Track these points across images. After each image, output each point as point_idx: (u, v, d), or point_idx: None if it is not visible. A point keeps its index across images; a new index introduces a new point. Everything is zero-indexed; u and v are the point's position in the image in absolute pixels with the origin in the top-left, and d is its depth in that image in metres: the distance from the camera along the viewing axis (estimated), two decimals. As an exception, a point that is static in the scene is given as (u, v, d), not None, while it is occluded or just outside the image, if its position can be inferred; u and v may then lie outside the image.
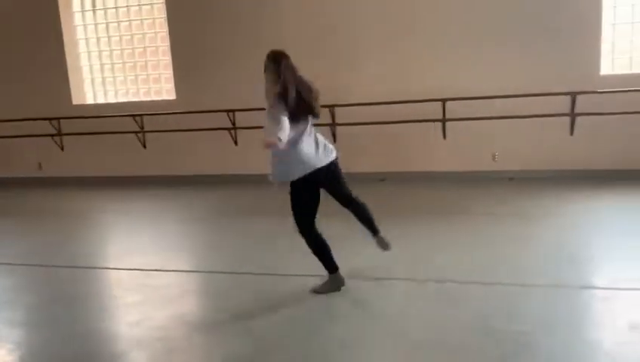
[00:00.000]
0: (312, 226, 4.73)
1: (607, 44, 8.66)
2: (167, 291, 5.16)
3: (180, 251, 6.60)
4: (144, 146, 10.88)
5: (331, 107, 9.32)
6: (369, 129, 9.39)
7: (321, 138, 4.76)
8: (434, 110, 9.02)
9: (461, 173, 9.27)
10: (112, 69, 11.23)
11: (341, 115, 9.46)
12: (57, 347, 4.17)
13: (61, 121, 11.01)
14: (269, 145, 4.32)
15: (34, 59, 11.15)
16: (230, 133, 10.22)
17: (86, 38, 11.24)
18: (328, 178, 4.74)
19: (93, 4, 11.05)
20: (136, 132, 10.70)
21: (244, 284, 5.23)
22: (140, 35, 10.92)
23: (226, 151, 10.38)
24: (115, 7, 10.92)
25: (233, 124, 10.13)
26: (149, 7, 10.75)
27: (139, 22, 10.88)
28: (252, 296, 4.92)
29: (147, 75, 11.04)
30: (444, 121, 9.06)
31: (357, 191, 5.13)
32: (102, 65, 11.28)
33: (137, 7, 10.81)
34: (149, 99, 11.01)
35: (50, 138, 11.17)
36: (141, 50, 10.97)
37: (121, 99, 11.24)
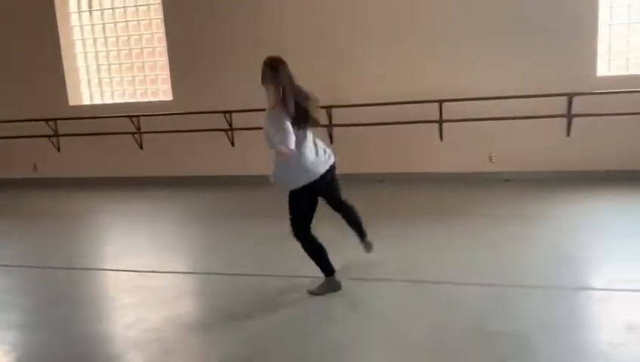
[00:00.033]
0: (308, 230, 4.74)
1: (604, 45, 8.67)
2: (163, 292, 5.15)
3: (177, 252, 6.59)
4: (141, 147, 10.86)
5: (328, 108, 9.31)
6: (366, 130, 9.39)
7: (319, 143, 4.80)
8: (431, 111, 9.02)
9: (458, 174, 9.27)
10: (109, 70, 11.22)
11: (338, 115, 9.46)
12: (54, 348, 4.17)
13: (58, 121, 10.98)
14: (285, 156, 4.37)
15: (30, 60, 11.13)
16: (227, 134, 10.21)
17: (83, 39, 11.22)
18: (327, 183, 4.80)
19: (90, 5, 11.03)
20: (133, 133, 10.68)
21: (240, 286, 5.23)
22: (137, 36, 10.91)
23: (222, 152, 10.37)
24: (112, 8, 10.91)
25: (230, 125, 10.12)
26: (145, 7, 10.73)
27: (136, 23, 10.86)
28: (249, 297, 4.91)
29: (144, 75, 11.03)
30: (440, 122, 9.06)
31: (355, 193, 5.15)
32: (98, 66, 11.26)
33: (134, 8, 10.80)
34: (145, 100, 10.99)
35: (46, 139, 11.14)
36: (138, 51, 10.95)
37: (118, 100, 11.22)
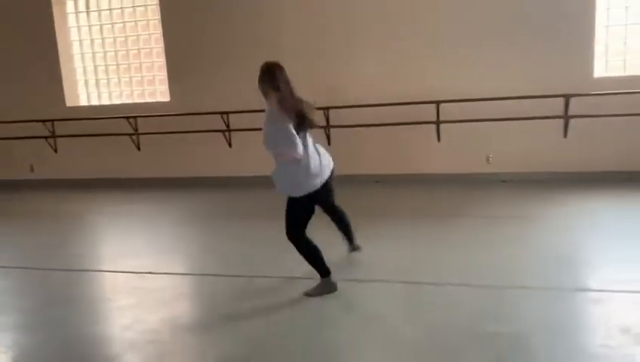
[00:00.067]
0: (303, 233, 4.77)
1: (601, 46, 8.68)
2: (160, 294, 5.15)
3: (174, 254, 6.58)
4: (138, 148, 10.85)
5: (326, 109, 9.32)
6: (364, 130, 9.40)
7: (320, 148, 4.85)
8: (428, 112, 9.03)
9: (455, 175, 9.28)
10: (106, 71, 11.21)
11: (336, 116, 9.46)
12: (51, 350, 4.17)
13: (55, 122, 10.97)
14: (295, 160, 4.46)
15: (28, 61, 11.12)
16: (224, 136, 10.21)
17: (80, 40, 11.21)
18: (326, 189, 4.86)
19: (87, 6, 11.03)
20: (130, 134, 10.67)
21: (237, 287, 5.22)
22: (134, 37, 10.90)
23: (220, 153, 10.37)
24: (109, 9, 10.90)
25: (227, 126, 10.11)
26: (142, 8, 10.73)
27: (133, 23, 10.86)
28: (245, 298, 4.91)
29: (141, 76, 11.02)
30: (438, 123, 9.07)
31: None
32: (96, 66, 11.25)
33: (131, 9, 10.79)
34: (143, 101, 10.98)
35: (43, 140, 11.14)
36: (135, 51, 10.95)
37: (115, 101, 11.21)
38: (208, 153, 10.49)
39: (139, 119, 10.61)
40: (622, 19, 8.61)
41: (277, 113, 4.48)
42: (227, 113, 9.98)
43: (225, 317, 4.56)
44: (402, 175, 9.47)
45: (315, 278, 4.83)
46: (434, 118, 9.05)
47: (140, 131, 10.68)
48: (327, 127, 9.46)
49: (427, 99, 8.91)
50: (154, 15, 10.63)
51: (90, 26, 11.12)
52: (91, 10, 11.03)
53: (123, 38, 10.96)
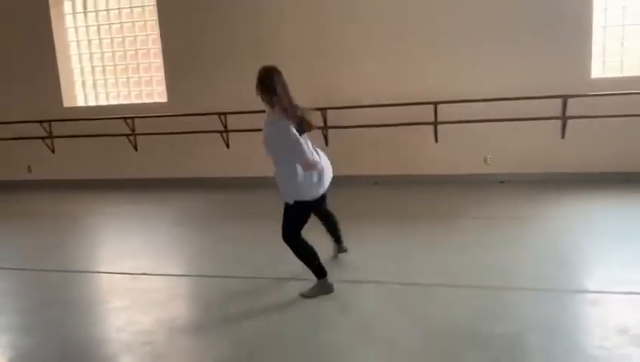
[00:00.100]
0: (299, 235, 4.78)
1: (598, 47, 8.68)
2: (157, 295, 5.14)
3: (171, 255, 6.57)
4: (135, 149, 10.84)
5: (324, 110, 9.32)
6: (361, 131, 9.40)
7: (320, 151, 4.87)
8: (426, 113, 9.03)
9: (453, 176, 9.28)
10: (104, 72, 11.19)
11: (333, 117, 9.46)
12: (47, 351, 4.16)
13: (52, 123, 10.96)
14: (308, 164, 4.55)
15: (25, 62, 11.10)
16: (222, 136, 10.20)
17: (77, 41, 11.20)
18: (324, 195, 4.92)
19: (85, 7, 11.01)
20: (127, 135, 10.66)
21: (233, 288, 5.21)
22: (132, 38, 10.89)
23: (217, 154, 10.35)
24: (107, 10, 10.89)
25: (225, 126, 10.11)
26: (140, 9, 10.72)
27: (130, 24, 10.84)
28: (241, 300, 4.90)
29: (139, 77, 11.01)
30: (435, 124, 9.06)
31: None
32: (93, 67, 11.24)
33: (129, 10, 10.78)
34: (140, 101, 10.96)
35: (40, 140, 11.12)
36: (132, 52, 10.94)
37: (113, 101, 11.19)
38: (206, 154, 10.47)
39: (136, 120, 10.60)
40: (619, 20, 8.61)
41: (278, 118, 4.54)
42: (225, 114, 9.97)
43: (221, 318, 4.55)
44: (400, 176, 9.46)
45: (311, 279, 4.82)
46: (432, 119, 9.04)
47: (137, 132, 10.66)
48: (325, 127, 9.46)
49: (426, 100, 8.90)
50: (151, 16, 10.62)
51: (87, 27, 11.10)
52: (89, 10, 11.01)
53: (120, 39, 10.95)
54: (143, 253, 6.54)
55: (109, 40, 11.01)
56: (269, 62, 4.76)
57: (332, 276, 4.87)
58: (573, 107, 8.47)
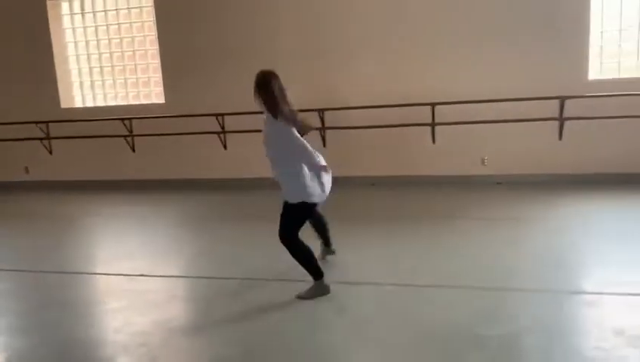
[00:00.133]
0: (297, 236, 4.79)
1: (596, 49, 8.69)
2: (154, 296, 5.14)
3: (168, 256, 6.56)
4: (133, 150, 10.83)
5: (321, 111, 9.33)
6: (359, 132, 9.40)
7: (318, 154, 4.88)
8: (424, 114, 9.03)
9: (450, 177, 9.28)
10: (101, 73, 11.19)
11: (331, 118, 9.46)
12: (45, 352, 4.15)
13: (49, 124, 10.94)
14: (313, 165, 4.64)
15: (22, 63, 11.09)
16: (219, 137, 10.19)
17: (75, 42, 11.19)
18: None
19: (82, 8, 11.00)
20: (125, 136, 10.65)
21: (230, 289, 5.21)
22: (129, 39, 10.88)
23: (215, 155, 10.35)
24: (104, 11, 10.88)
25: (222, 127, 10.10)
26: (137, 10, 10.71)
27: (128, 25, 10.84)
28: (238, 301, 4.90)
29: (136, 78, 11.00)
30: (433, 125, 9.07)
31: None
32: (91, 68, 11.23)
33: (126, 11, 10.78)
34: (138, 102, 10.96)
35: (38, 141, 11.10)
36: (130, 53, 10.93)
37: (110, 102, 11.18)
38: (203, 155, 10.47)
39: (134, 121, 10.59)
40: (616, 22, 8.62)
41: (279, 122, 4.58)
42: (222, 115, 9.96)
43: (218, 319, 4.55)
44: (398, 177, 9.46)
45: (308, 281, 4.82)
46: (429, 120, 9.04)
47: (134, 133, 10.65)
48: (323, 128, 9.45)
49: (424, 100, 8.90)
50: (149, 17, 10.61)
51: (85, 28, 11.10)
52: (86, 11, 11.00)
53: (118, 40, 10.94)
54: (141, 254, 6.54)
55: (106, 41, 11.01)
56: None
57: (329, 277, 4.87)
58: (571, 108, 8.47)
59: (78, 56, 11.23)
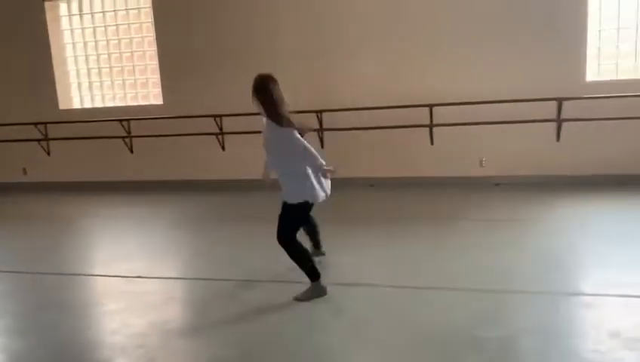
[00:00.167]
0: (294, 237, 4.81)
1: (593, 50, 8.70)
2: (152, 297, 5.14)
3: (166, 257, 6.56)
4: (131, 151, 10.83)
5: (319, 112, 9.33)
6: (358, 133, 9.40)
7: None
8: (422, 115, 9.03)
9: (448, 179, 9.28)
10: (99, 74, 11.18)
11: (330, 119, 9.47)
12: (42, 354, 4.15)
13: (48, 125, 10.94)
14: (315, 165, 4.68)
15: (21, 64, 11.09)
16: (217, 139, 10.19)
17: (73, 43, 11.19)
18: None
19: (80, 9, 11.00)
20: (123, 137, 10.65)
21: (228, 291, 5.20)
22: (127, 40, 10.88)
23: (213, 156, 10.35)
24: (102, 12, 10.88)
25: (220, 129, 10.10)
26: (136, 11, 10.71)
27: (126, 26, 10.84)
28: (237, 302, 4.90)
29: (134, 79, 11.00)
30: (431, 126, 9.07)
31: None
32: (89, 69, 11.23)
33: (124, 12, 10.77)
34: (136, 103, 10.95)
35: (36, 143, 11.09)
36: (128, 54, 10.93)
37: (109, 103, 11.18)
38: (201, 156, 10.47)
39: (132, 122, 10.59)
40: (614, 23, 8.63)
41: (281, 125, 4.61)
42: (220, 116, 9.96)
43: (215, 321, 4.54)
44: (396, 178, 9.46)
45: (306, 282, 4.82)
46: (427, 122, 9.04)
47: (133, 134, 10.65)
48: (321, 130, 9.45)
49: (423, 101, 8.91)
50: (147, 18, 10.62)
51: (83, 29, 11.09)
52: (84, 12, 11.00)
53: (116, 41, 10.94)
54: (139, 256, 6.53)
55: (104, 42, 11.00)
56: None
57: (326, 279, 4.87)
58: (569, 110, 8.48)
59: (76, 57, 11.23)
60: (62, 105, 11.13)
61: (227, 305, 4.85)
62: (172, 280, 5.75)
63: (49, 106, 11.02)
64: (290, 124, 4.62)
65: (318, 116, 9.38)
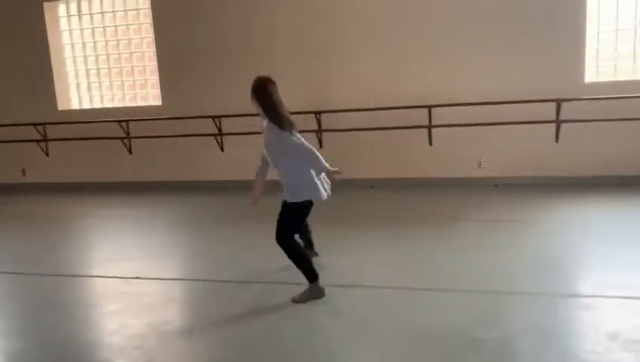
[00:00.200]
0: (293, 238, 4.81)
1: (592, 52, 8.71)
2: (150, 298, 5.13)
3: (165, 258, 6.55)
4: (130, 152, 10.82)
5: (318, 113, 9.33)
6: (355, 135, 9.40)
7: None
8: (420, 116, 9.03)
9: (447, 180, 9.29)
10: (98, 75, 11.19)
11: (328, 120, 9.47)
12: (40, 355, 4.14)
13: (46, 126, 10.94)
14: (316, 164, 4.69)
15: (19, 64, 11.09)
16: (216, 140, 10.19)
17: (72, 44, 11.19)
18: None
19: (79, 10, 11.00)
20: (122, 138, 10.64)
21: (226, 292, 5.20)
22: (126, 41, 10.88)
23: (212, 157, 10.35)
24: (101, 13, 10.89)
25: (219, 130, 10.09)
26: (135, 12, 10.72)
27: (125, 27, 10.84)
28: (234, 304, 4.88)
29: (133, 80, 11.00)
30: (429, 127, 9.07)
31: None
32: (88, 70, 11.23)
33: (123, 13, 10.78)
34: (135, 104, 10.96)
35: (35, 143, 11.09)
36: (127, 55, 10.93)
37: (107, 104, 11.19)
38: (200, 157, 10.47)
39: (131, 123, 10.59)
40: (612, 25, 8.64)
41: (284, 126, 4.64)
42: (219, 117, 9.96)
43: (213, 321, 4.54)
44: (396, 179, 9.47)
45: (303, 284, 4.81)
46: (426, 123, 9.04)
47: (131, 135, 10.65)
48: (320, 130, 9.45)
49: (423, 101, 8.92)
50: (146, 19, 10.62)
51: (82, 30, 11.10)
52: (83, 13, 11.00)
53: (115, 42, 10.94)
54: (137, 257, 6.52)
55: (103, 43, 11.01)
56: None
57: (325, 280, 4.86)
58: (567, 111, 8.49)
59: (75, 58, 11.23)
60: (61, 106, 11.13)
61: (226, 306, 4.84)
62: (170, 281, 5.74)
63: (48, 107, 11.02)
64: (291, 126, 4.65)
65: (317, 117, 9.38)
